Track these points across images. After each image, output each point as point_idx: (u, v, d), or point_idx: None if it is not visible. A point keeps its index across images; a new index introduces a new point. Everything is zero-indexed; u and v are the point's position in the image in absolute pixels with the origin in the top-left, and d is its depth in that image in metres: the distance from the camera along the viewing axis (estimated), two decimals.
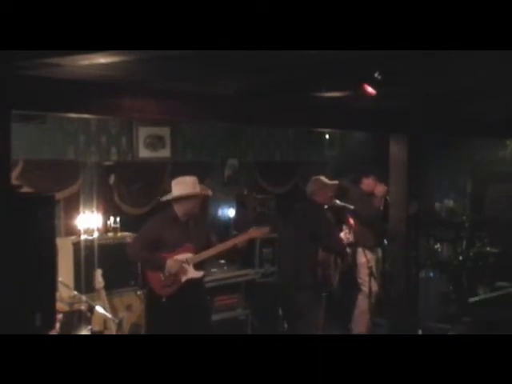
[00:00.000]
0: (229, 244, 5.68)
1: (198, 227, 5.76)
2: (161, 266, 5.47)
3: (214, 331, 5.85)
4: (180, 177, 5.70)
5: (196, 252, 5.57)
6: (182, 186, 5.59)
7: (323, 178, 6.56)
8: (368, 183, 7.58)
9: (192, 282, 5.55)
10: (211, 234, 5.98)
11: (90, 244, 6.33)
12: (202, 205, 6.04)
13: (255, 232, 5.71)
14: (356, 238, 7.11)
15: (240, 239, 5.67)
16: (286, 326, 6.98)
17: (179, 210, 5.60)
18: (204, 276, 5.75)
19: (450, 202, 9.33)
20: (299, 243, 6.30)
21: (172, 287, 5.50)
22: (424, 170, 8.75)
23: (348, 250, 6.68)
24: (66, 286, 5.79)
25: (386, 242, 7.71)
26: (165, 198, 5.76)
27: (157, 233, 5.54)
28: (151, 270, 5.58)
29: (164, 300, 5.52)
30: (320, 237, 6.26)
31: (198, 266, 5.60)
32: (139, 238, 5.62)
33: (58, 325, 5.12)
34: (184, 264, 5.49)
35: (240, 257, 7.17)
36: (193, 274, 5.55)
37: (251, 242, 5.97)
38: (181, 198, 5.56)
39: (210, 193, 5.98)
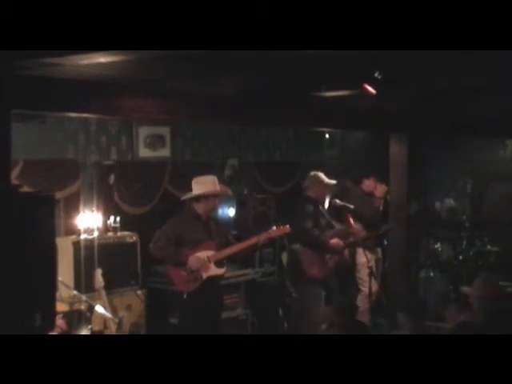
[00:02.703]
0: (250, 242, 5.69)
1: (218, 226, 5.85)
2: (183, 262, 5.50)
3: (223, 329, 5.89)
4: (200, 176, 5.74)
5: (217, 250, 5.61)
6: (203, 184, 5.62)
7: (321, 174, 6.59)
8: (368, 184, 7.57)
9: (213, 278, 5.59)
10: (228, 233, 6.04)
11: (89, 243, 6.33)
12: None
13: (276, 231, 5.72)
14: (356, 237, 7.11)
15: (261, 238, 5.68)
16: (286, 325, 6.98)
17: (199, 208, 5.63)
18: (224, 273, 5.80)
19: (450, 201, 9.32)
20: (295, 240, 6.37)
21: (194, 283, 5.52)
22: (424, 170, 8.75)
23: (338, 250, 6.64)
24: (66, 285, 5.80)
25: (385, 242, 7.70)
26: (185, 197, 5.78)
27: (179, 230, 5.57)
28: (173, 265, 5.60)
29: (185, 297, 5.54)
30: (303, 232, 6.29)
31: (218, 263, 5.64)
32: (162, 233, 5.61)
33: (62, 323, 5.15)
34: (206, 261, 5.53)
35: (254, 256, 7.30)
36: (214, 271, 5.59)
37: (270, 241, 5.95)
38: (201, 197, 5.60)
39: (230, 192, 6.07)
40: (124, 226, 6.82)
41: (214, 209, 5.81)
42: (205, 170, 7.43)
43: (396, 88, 5.33)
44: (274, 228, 5.71)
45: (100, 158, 7.00)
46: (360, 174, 7.67)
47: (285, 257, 7.32)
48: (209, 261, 5.55)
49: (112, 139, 7.11)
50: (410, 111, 6.81)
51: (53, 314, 3.48)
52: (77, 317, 5.81)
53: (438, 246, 8.49)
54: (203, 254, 5.54)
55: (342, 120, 6.79)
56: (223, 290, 6.06)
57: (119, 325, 5.82)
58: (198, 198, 5.62)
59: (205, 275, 5.54)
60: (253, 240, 5.69)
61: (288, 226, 5.77)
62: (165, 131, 7.46)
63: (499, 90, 5.51)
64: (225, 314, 6.71)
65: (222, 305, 6.06)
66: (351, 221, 6.73)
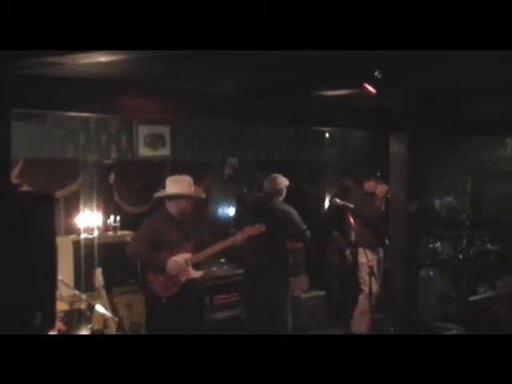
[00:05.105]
0: (226, 243, 5.63)
1: (195, 227, 5.74)
2: (161, 267, 5.44)
3: (209, 329, 5.85)
4: (176, 175, 5.68)
5: (194, 252, 5.53)
6: (176, 184, 5.56)
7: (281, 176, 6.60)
8: (369, 185, 7.57)
9: (192, 281, 5.53)
10: (207, 234, 5.93)
11: (89, 243, 6.34)
12: (198, 205, 6.02)
13: (251, 230, 5.65)
14: (357, 237, 7.12)
15: (237, 238, 5.63)
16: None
17: (172, 208, 5.56)
18: (203, 275, 5.73)
19: (449, 199, 9.33)
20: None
21: (173, 288, 5.47)
22: (424, 170, 8.75)
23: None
24: (66, 284, 5.80)
25: (387, 242, 7.70)
26: (158, 195, 5.74)
27: (154, 233, 5.50)
28: (152, 271, 5.55)
29: (164, 301, 5.48)
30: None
31: (196, 265, 5.58)
32: (138, 238, 5.58)
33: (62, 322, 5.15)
34: (184, 264, 5.46)
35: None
36: (193, 274, 5.53)
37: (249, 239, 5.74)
38: (173, 197, 5.53)
39: (202, 195, 5.94)
40: (124, 225, 6.83)
41: (186, 210, 5.61)
42: (205, 168, 7.45)
43: (396, 88, 5.32)
44: (249, 226, 5.63)
45: (100, 157, 7.00)
46: (362, 175, 7.67)
47: None
48: (186, 264, 5.47)
49: (112, 138, 7.11)
50: (410, 111, 6.80)
51: (53, 313, 3.48)
52: (77, 316, 5.81)
53: (437, 245, 8.49)
54: (181, 258, 5.46)
55: (342, 119, 6.78)
56: (204, 292, 5.96)
57: (119, 324, 5.82)
58: (170, 198, 5.54)
59: (184, 279, 5.48)
60: (229, 241, 5.64)
61: (263, 225, 5.67)
62: (165, 130, 7.46)
63: (499, 90, 5.50)
64: (224, 314, 6.73)
65: (203, 307, 5.95)
66: (351, 220, 6.73)
